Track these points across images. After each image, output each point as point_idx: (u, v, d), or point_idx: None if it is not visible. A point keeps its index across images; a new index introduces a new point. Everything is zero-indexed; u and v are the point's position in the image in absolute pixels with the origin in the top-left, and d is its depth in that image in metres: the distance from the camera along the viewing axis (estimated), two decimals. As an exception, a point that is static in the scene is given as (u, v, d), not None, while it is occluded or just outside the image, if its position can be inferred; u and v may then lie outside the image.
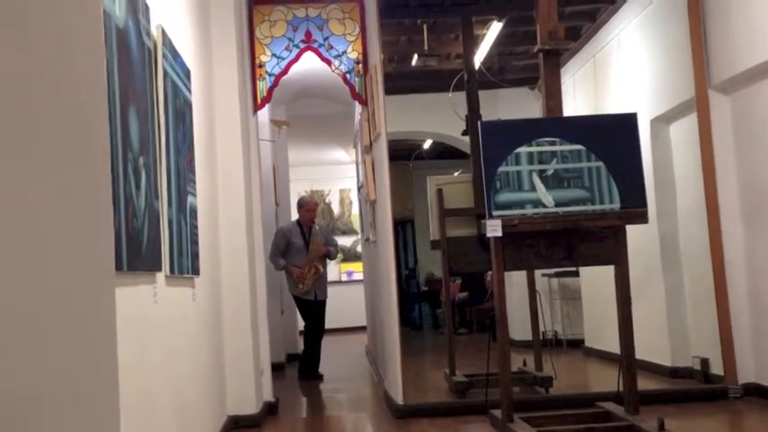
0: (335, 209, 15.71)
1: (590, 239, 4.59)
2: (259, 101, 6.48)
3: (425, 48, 7.81)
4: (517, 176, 4.53)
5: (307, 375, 8.28)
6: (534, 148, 4.56)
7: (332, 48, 6.49)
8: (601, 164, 4.55)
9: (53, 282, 1.17)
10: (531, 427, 4.42)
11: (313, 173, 14.96)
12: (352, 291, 13.38)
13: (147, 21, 3.36)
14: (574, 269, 8.44)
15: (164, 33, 3.68)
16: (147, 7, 3.35)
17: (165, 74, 3.67)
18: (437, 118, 9.22)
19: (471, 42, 7.19)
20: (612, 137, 4.62)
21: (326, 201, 15.56)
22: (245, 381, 5.67)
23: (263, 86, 6.47)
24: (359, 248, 13.51)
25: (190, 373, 4.19)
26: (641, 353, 5.04)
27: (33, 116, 1.12)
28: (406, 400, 5.69)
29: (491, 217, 4.46)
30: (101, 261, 1.40)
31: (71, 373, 1.22)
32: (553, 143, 4.58)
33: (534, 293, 6.60)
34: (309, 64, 6.85)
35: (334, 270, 13.62)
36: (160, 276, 3.47)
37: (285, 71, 6.49)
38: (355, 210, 14.26)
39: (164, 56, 3.65)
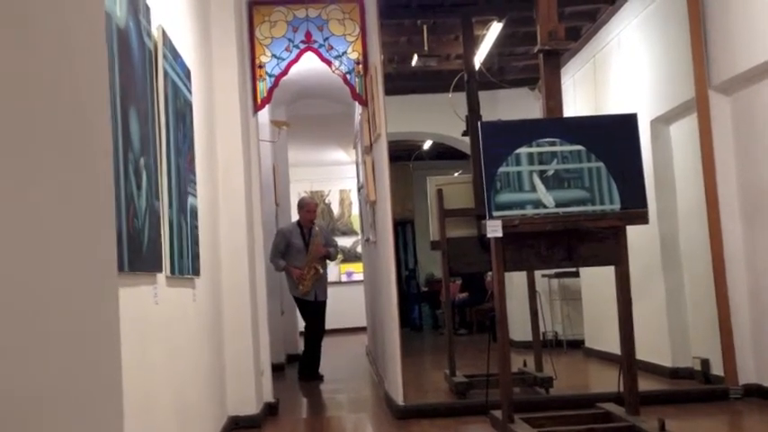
0: (335, 209, 15.71)
1: (590, 240, 4.59)
2: (259, 101, 6.48)
3: (425, 48, 7.81)
4: (517, 177, 4.53)
5: (307, 376, 8.28)
6: (534, 149, 4.56)
7: (332, 48, 6.49)
8: (601, 164, 4.55)
9: (54, 282, 1.17)
10: (532, 427, 4.41)
11: (313, 173, 14.95)
12: (353, 291, 13.38)
13: (148, 21, 3.36)
14: (574, 270, 8.45)
15: (164, 34, 3.68)
16: (147, 8, 3.35)
17: (166, 74, 3.67)
18: (437, 119, 9.21)
19: (471, 43, 7.19)
20: (613, 137, 4.62)
21: (326, 201, 15.56)
22: (245, 381, 5.67)
23: (263, 87, 6.46)
24: (359, 249, 13.51)
25: (190, 373, 4.19)
26: (641, 353, 5.05)
27: (33, 116, 1.12)
28: (406, 401, 5.68)
29: (491, 217, 4.46)
30: (103, 261, 1.40)
31: (73, 374, 1.22)
32: (553, 144, 4.57)
33: (534, 294, 6.60)
34: (309, 64, 6.85)
35: (334, 271, 13.62)
36: (161, 277, 3.47)
37: (285, 72, 6.49)
38: (355, 210, 14.26)
39: (164, 56, 3.65)
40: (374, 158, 6.66)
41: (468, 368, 6.66)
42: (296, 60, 6.49)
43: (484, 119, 6.40)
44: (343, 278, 14.97)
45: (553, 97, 5.01)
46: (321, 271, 8.26)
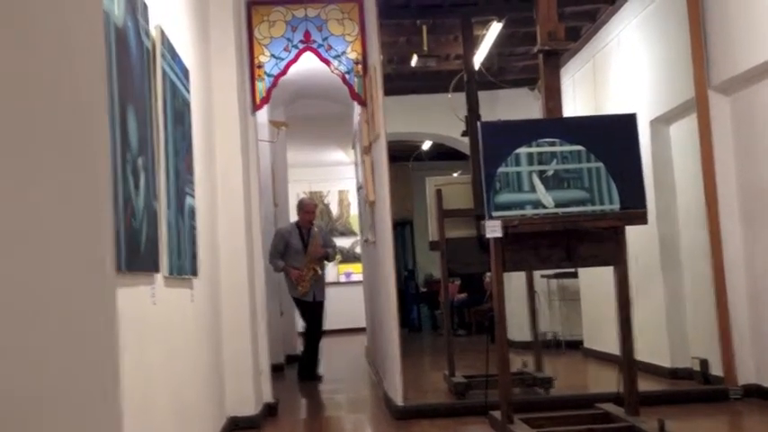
0: (334, 210, 15.71)
1: (590, 240, 4.59)
2: (258, 101, 6.47)
3: (425, 48, 7.81)
4: (517, 177, 4.53)
5: (306, 376, 8.28)
6: (534, 149, 4.56)
7: (331, 48, 6.49)
8: (600, 164, 4.55)
9: (53, 282, 1.16)
10: (531, 428, 4.41)
11: (312, 174, 14.95)
12: (351, 292, 13.37)
13: (146, 21, 3.35)
14: (573, 270, 8.45)
15: (162, 33, 3.68)
16: (145, 7, 3.34)
17: (164, 74, 3.66)
18: (436, 119, 9.22)
19: (471, 43, 7.19)
20: (612, 137, 4.61)
21: (325, 202, 15.55)
22: (244, 382, 5.66)
23: (261, 87, 6.46)
24: (357, 249, 13.50)
25: (189, 374, 4.18)
26: (641, 354, 5.06)
27: (33, 116, 1.11)
28: (405, 402, 5.68)
29: (491, 218, 4.46)
30: (101, 261, 1.40)
31: (71, 374, 1.22)
32: (553, 144, 4.57)
33: (533, 294, 6.60)
34: (308, 64, 6.84)
35: (332, 271, 13.61)
36: (159, 277, 3.46)
37: (284, 72, 6.48)
38: (354, 211, 14.26)
39: (162, 56, 3.64)
40: (373, 159, 6.66)
41: (468, 369, 6.66)
42: (295, 60, 6.48)
43: (483, 119, 6.40)
44: (342, 279, 14.96)
45: (553, 97, 5.01)
46: (320, 272, 8.27)
